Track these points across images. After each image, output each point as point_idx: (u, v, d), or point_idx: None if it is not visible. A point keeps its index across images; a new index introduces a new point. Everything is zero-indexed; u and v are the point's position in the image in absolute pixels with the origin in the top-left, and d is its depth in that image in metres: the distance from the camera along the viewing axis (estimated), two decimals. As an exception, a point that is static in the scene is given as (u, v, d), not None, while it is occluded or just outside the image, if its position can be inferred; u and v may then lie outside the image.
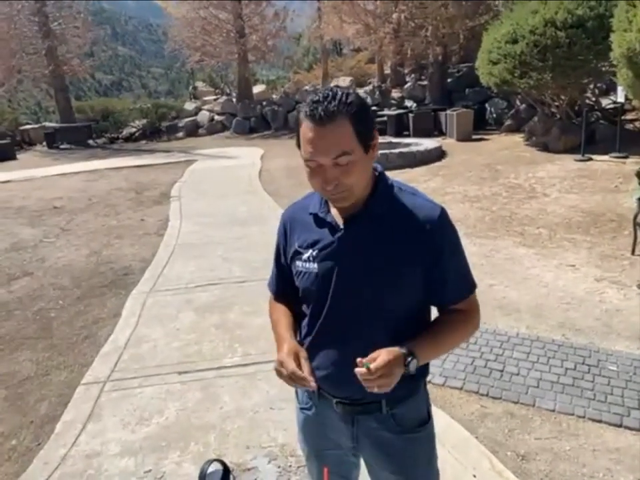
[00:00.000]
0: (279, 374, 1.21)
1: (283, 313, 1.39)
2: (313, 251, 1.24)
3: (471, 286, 1.29)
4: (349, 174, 1.12)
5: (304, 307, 1.33)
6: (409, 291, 1.21)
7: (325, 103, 1.09)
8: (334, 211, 1.24)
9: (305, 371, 1.18)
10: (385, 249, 1.18)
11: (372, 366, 1.07)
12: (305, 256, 1.25)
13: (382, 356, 1.09)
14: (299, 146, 1.16)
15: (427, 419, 1.34)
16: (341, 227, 1.22)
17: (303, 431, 1.43)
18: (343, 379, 1.22)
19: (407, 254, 1.18)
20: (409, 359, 1.13)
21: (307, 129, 1.11)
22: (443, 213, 1.22)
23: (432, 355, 1.25)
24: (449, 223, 1.24)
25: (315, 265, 1.23)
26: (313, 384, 1.17)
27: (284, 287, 1.39)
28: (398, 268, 1.18)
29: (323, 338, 1.27)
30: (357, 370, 1.07)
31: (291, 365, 1.18)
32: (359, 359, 1.09)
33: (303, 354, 1.23)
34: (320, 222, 1.25)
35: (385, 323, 1.21)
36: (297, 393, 1.42)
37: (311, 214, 1.28)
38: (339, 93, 1.12)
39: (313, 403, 1.36)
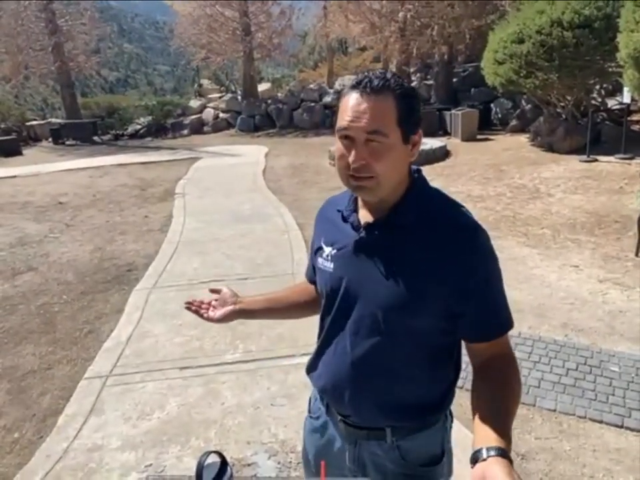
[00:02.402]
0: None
1: (290, 287, 1.42)
2: (332, 249, 1.18)
3: (506, 322, 1.11)
4: (379, 157, 1.02)
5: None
6: (421, 312, 1.07)
7: (374, 77, 1.03)
8: (361, 213, 1.15)
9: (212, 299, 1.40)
10: (401, 264, 1.07)
11: None
12: (325, 254, 1.20)
13: None
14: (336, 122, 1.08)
15: (439, 459, 1.19)
16: (361, 230, 1.13)
17: (307, 441, 1.35)
18: (342, 395, 1.17)
19: (427, 272, 1.05)
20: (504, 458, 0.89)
21: (349, 98, 1.04)
22: (478, 234, 1.07)
23: (510, 429, 0.99)
24: (483, 245, 1.08)
25: (331, 265, 1.18)
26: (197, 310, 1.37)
27: (312, 276, 1.36)
28: (411, 285, 1.06)
29: (327, 345, 1.21)
30: None
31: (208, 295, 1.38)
32: None
33: (238, 306, 1.38)
34: (344, 220, 1.18)
35: (389, 342, 1.11)
36: (309, 401, 1.36)
37: (338, 211, 1.21)
38: (391, 74, 1.06)
39: (321, 412, 1.29)
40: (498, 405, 1.01)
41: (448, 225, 1.08)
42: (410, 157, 1.09)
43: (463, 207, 1.14)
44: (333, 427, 1.25)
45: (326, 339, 1.21)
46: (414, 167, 1.16)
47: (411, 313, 1.07)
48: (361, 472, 1.22)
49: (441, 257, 1.05)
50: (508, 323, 1.12)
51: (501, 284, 1.11)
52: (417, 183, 1.14)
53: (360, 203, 1.18)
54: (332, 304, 1.18)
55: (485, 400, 1.04)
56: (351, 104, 1.03)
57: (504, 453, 0.88)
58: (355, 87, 1.04)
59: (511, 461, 0.88)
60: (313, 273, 1.36)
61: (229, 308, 1.37)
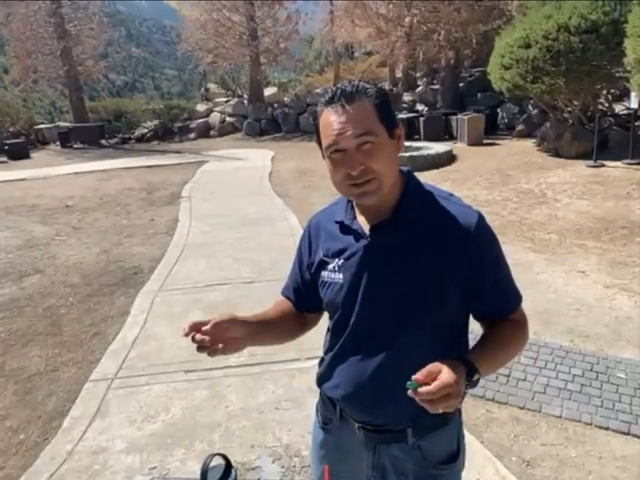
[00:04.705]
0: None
1: (273, 308, 1.31)
2: (339, 260, 1.17)
3: (517, 298, 1.21)
4: (374, 157, 1.05)
5: (328, 321, 1.26)
6: (443, 304, 1.11)
7: (344, 87, 1.07)
8: (360, 219, 1.17)
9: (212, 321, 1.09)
10: (415, 259, 1.10)
11: (436, 384, 0.91)
12: (331, 266, 1.19)
13: (446, 373, 0.94)
14: (319, 143, 1.11)
15: (456, 455, 1.23)
16: (367, 234, 1.14)
17: (318, 452, 1.33)
18: (365, 401, 1.16)
19: (440, 264, 1.09)
20: (475, 376, 1.01)
21: (327, 115, 1.07)
22: (481, 219, 1.13)
23: (489, 371, 1.12)
24: (488, 230, 1.15)
25: (340, 276, 1.16)
26: (199, 337, 1.05)
27: (295, 293, 1.33)
28: (429, 279, 1.09)
29: (345, 354, 1.19)
30: (410, 393, 0.93)
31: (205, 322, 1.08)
32: (414, 378, 0.93)
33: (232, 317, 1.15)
34: (345, 230, 1.18)
35: (414, 339, 1.12)
36: (317, 409, 1.35)
37: (336, 222, 1.21)
38: (358, 81, 1.10)
39: (334, 423, 1.27)
40: (490, 346, 1.13)
41: (451, 215, 1.12)
42: (398, 151, 1.13)
43: (455, 196, 1.19)
44: (348, 435, 1.24)
45: (345, 349, 1.19)
46: (403, 168, 1.19)
47: (435, 306, 1.10)
48: (381, 477, 1.22)
49: (452, 245, 1.10)
50: (519, 297, 1.21)
51: (506, 261, 1.19)
52: (410, 180, 1.18)
53: (357, 210, 1.19)
54: (348, 313, 1.16)
55: (484, 339, 1.16)
56: (332, 119, 1.06)
57: (465, 360, 1.01)
58: (329, 102, 1.08)
59: (471, 369, 1.00)
60: (298, 290, 1.32)
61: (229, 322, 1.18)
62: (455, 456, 1.22)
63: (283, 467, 2.37)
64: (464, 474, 2.27)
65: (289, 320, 1.32)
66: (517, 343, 1.20)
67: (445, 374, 0.93)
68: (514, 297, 1.21)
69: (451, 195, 1.19)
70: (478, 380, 1.03)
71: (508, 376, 2.96)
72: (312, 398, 1.38)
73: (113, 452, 2.55)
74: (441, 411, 0.93)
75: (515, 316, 1.20)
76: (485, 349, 1.12)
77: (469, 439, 2.46)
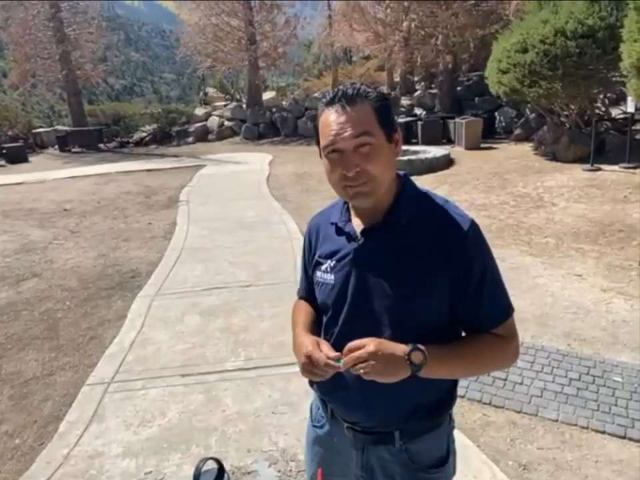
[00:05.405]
0: (308, 370, 1.10)
1: (303, 312, 1.31)
2: (331, 261, 1.19)
3: (507, 310, 1.15)
4: (371, 160, 1.05)
5: (323, 319, 1.27)
6: (430, 308, 1.11)
7: (347, 89, 1.08)
8: (355, 222, 1.18)
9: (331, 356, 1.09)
10: (405, 263, 1.10)
11: (349, 357, 1.03)
12: (324, 267, 1.21)
13: (364, 349, 1.03)
14: (318, 143, 1.12)
15: (446, 459, 1.22)
16: (359, 237, 1.15)
17: (311, 450, 1.35)
18: (353, 402, 1.18)
19: (430, 268, 1.09)
20: (412, 349, 1.02)
21: (326, 115, 1.08)
22: (473, 226, 1.12)
23: (446, 363, 1.09)
24: (480, 237, 1.13)
25: (332, 277, 1.18)
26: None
27: (308, 295, 1.35)
28: (418, 284, 1.09)
29: None
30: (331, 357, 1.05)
31: (322, 356, 1.08)
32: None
33: (324, 342, 1.14)
34: (339, 232, 1.20)
35: (402, 341, 1.09)
36: (311, 408, 1.36)
37: (332, 223, 1.23)
38: (361, 83, 1.11)
39: (325, 421, 1.29)
40: (455, 343, 1.13)
41: (444, 220, 1.12)
42: (396, 155, 1.14)
43: (450, 202, 1.18)
44: (338, 435, 1.25)
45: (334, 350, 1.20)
46: (400, 172, 1.19)
47: (422, 309, 1.11)
48: (369, 477, 1.23)
49: (442, 250, 1.09)
50: (507, 311, 1.16)
51: (498, 272, 1.16)
52: (405, 184, 1.18)
53: (352, 212, 1.20)
54: (338, 314, 1.18)
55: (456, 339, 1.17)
56: (332, 119, 1.07)
57: (414, 346, 1.03)
58: (330, 102, 1.08)
59: (414, 348, 1.03)
60: (306, 289, 1.34)
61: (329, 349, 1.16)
62: (445, 460, 1.22)
63: (279, 471, 2.37)
64: (460, 478, 2.26)
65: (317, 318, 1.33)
66: (492, 356, 1.14)
67: (363, 349, 1.02)
68: (500, 309, 1.15)
69: (447, 200, 1.18)
70: (419, 356, 1.03)
71: (505, 380, 2.96)
72: (308, 402, 1.38)
73: (109, 456, 2.54)
74: (361, 372, 1.01)
75: (499, 330, 1.14)
76: (448, 345, 1.10)
77: (466, 443, 2.45)
